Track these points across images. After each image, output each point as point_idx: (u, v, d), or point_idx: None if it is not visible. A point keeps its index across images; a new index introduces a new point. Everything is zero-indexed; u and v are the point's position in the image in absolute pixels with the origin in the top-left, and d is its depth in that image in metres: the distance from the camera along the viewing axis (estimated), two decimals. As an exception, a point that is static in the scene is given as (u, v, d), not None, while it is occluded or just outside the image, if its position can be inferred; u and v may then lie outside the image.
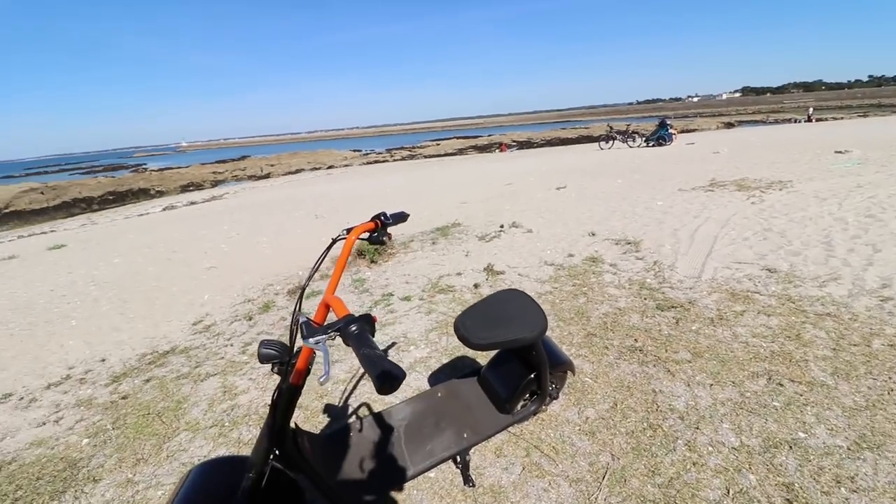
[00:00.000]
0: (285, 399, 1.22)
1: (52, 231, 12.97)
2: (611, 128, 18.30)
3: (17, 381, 3.07)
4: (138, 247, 7.46)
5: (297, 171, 32.20)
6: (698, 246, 4.25)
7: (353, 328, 0.95)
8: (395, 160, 34.39)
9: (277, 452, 1.31)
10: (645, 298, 3.23)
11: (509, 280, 3.89)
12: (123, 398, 2.66)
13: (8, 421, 2.58)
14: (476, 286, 3.80)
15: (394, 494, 1.70)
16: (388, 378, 0.81)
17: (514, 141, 41.15)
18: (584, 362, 2.50)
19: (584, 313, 3.08)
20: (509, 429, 1.99)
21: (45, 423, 2.50)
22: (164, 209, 15.63)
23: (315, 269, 1.31)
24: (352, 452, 1.68)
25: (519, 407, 1.92)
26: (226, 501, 1.27)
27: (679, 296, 3.22)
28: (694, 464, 1.74)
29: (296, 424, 1.43)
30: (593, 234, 4.98)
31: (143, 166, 53.71)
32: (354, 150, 47.67)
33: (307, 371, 1.21)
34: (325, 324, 1.01)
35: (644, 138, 16.77)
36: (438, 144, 46.90)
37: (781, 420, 1.90)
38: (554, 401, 2.13)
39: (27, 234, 13.41)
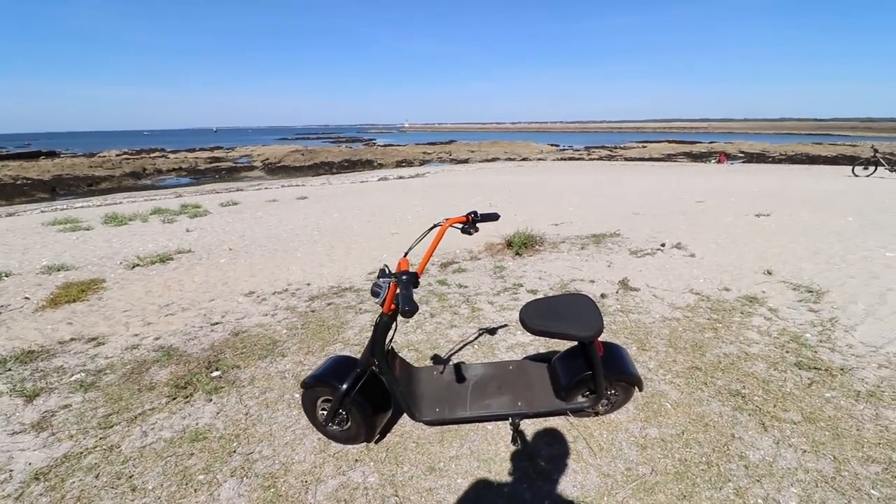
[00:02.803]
0: (381, 323, 1.82)
1: (301, 185, 17.03)
2: (875, 151, 14.32)
3: (258, 285, 4.55)
4: (352, 207, 9.44)
5: (493, 160, 34.10)
6: (910, 313, 3.43)
7: (404, 278, 1.48)
8: (590, 159, 33.33)
9: (376, 362, 1.94)
10: (787, 352, 2.90)
11: (640, 298, 3.86)
12: (312, 311, 3.77)
13: (249, 308, 3.94)
14: (603, 296, 3.89)
15: (451, 424, 2.19)
16: (407, 309, 1.31)
17: (741, 152, 35.38)
18: (672, 389, 2.51)
19: (701, 347, 2.96)
20: (568, 418, 2.25)
21: (266, 315, 3.76)
22: (378, 179, 18.79)
23: (416, 243, 1.88)
24: (428, 382, 2.23)
25: (577, 399, 2.16)
26: (341, 380, 1.96)
27: (835, 360, 2.79)
28: (733, 507, 1.74)
29: (392, 348, 2.03)
30: (769, 273, 4.39)
31: (373, 141, 64.13)
32: (552, 145, 47.71)
33: (395, 305, 1.77)
34: (392, 272, 1.57)
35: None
36: (644, 147, 43.43)
37: (867, 508, 1.70)
38: (615, 409, 2.27)
39: (287, 185, 17.90)
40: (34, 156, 38.28)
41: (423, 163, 33.40)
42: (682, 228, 6.45)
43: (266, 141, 64.49)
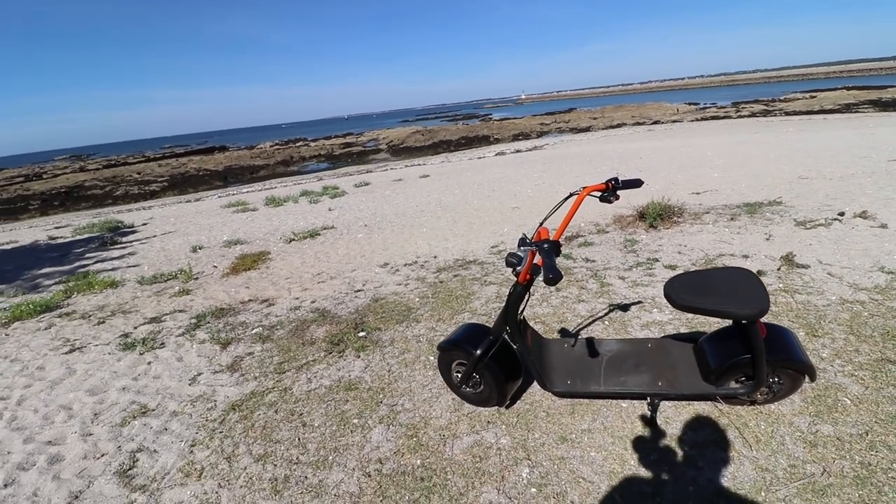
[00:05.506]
0: (515, 293, 1.85)
1: (422, 164, 17.77)
2: None
3: (391, 257, 4.94)
4: (471, 183, 9.60)
5: (619, 126, 31.51)
6: None
7: (546, 246, 1.48)
8: (739, 116, 28.82)
9: (508, 330, 1.99)
10: None
11: (810, 276, 3.29)
12: (440, 282, 3.98)
13: (385, 278, 4.31)
14: (760, 273, 3.41)
15: (583, 399, 2.16)
16: (552, 277, 1.32)
17: (958, 93, 27.49)
18: (852, 383, 2.13)
19: (894, 336, 2.44)
20: (716, 404, 2.06)
21: (399, 284, 4.08)
22: (496, 154, 18.73)
23: (552, 212, 1.85)
24: (560, 354, 2.22)
25: (729, 384, 1.95)
26: (475, 345, 2.06)
27: None
28: (940, 525, 1.44)
29: (524, 317, 2.06)
30: None
31: (489, 116, 63.69)
32: (690, 104, 42.32)
33: (530, 275, 1.78)
34: (532, 240, 1.57)
35: None
36: (813, 97, 36.12)
37: None
38: (777, 399, 2.00)
39: (410, 164, 18.84)
40: (210, 151, 46.06)
41: (540, 134, 32.28)
42: (869, 194, 5.28)
43: (390, 124, 68.25)
